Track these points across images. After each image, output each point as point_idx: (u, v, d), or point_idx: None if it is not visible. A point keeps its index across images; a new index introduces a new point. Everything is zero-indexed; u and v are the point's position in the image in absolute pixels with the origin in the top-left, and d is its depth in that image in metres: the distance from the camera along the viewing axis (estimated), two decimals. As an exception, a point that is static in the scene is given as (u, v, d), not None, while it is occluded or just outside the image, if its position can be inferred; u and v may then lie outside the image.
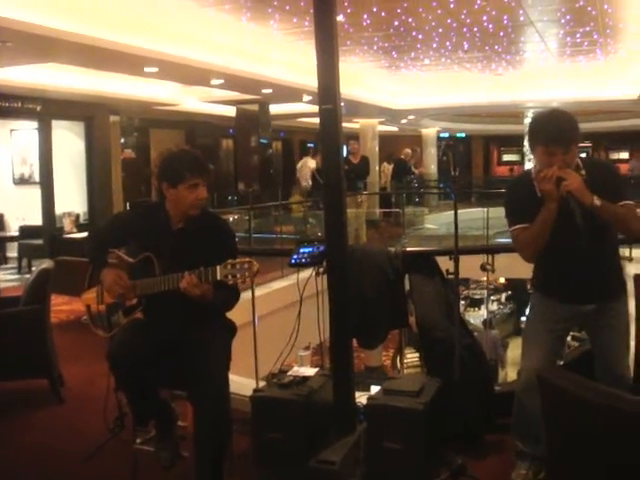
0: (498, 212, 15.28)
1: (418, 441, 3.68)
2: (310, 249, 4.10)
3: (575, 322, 3.63)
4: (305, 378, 4.04)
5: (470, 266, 4.89)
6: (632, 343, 3.97)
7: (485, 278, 17.90)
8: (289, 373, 4.11)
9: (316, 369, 4.24)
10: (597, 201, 3.21)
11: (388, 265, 4.33)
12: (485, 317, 16.89)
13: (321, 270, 4.16)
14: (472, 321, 17.25)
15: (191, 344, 3.47)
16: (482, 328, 15.52)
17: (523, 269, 4.03)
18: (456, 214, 3.89)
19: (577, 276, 3.44)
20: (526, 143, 19.74)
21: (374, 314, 4.29)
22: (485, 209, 12.74)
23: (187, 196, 3.51)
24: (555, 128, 3.32)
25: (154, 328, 3.52)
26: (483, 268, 4.52)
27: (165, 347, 3.48)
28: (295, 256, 4.12)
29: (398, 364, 13.91)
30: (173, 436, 3.78)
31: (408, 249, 4.63)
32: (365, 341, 4.52)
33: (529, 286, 3.87)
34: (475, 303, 18.71)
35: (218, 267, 3.31)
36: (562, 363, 4.36)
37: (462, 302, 18.75)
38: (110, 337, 3.70)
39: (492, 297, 19.79)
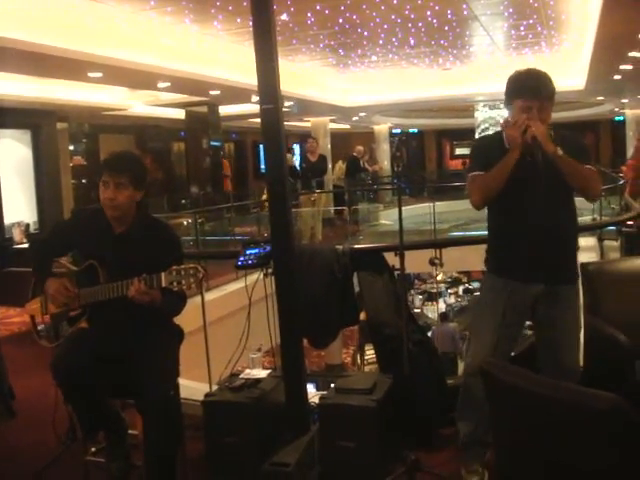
0: (452, 206, 15.44)
1: (372, 438, 3.68)
2: (256, 250, 4.06)
3: (527, 310, 3.60)
4: (257, 380, 4.02)
5: (420, 261, 4.91)
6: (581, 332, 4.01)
7: (439, 273, 18.18)
8: (241, 376, 4.09)
9: (268, 371, 4.22)
10: (560, 151, 3.28)
11: (335, 263, 4.31)
12: (443, 310, 17.04)
13: (269, 271, 4.14)
14: (430, 315, 17.38)
15: (136, 352, 3.41)
16: (437, 323, 15.65)
17: (472, 262, 4.04)
18: (400, 210, 3.89)
19: (530, 247, 3.43)
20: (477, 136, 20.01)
21: (323, 313, 4.27)
22: (432, 204, 12.80)
23: (101, 194, 3.47)
24: (533, 82, 3.43)
25: (98, 337, 3.46)
26: (432, 262, 4.53)
27: (110, 356, 3.42)
28: (241, 258, 4.07)
29: (358, 361, 14.00)
30: (124, 446, 3.71)
31: (355, 246, 4.60)
32: (315, 340, 4.50)
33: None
34: (433, 297, 18.85)
35: (163, 274, 3.26)
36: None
37: (420, 297, 18.90)
38: (55, 347, 3.63)
39: (449, 290, 19.98)
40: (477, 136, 20.15)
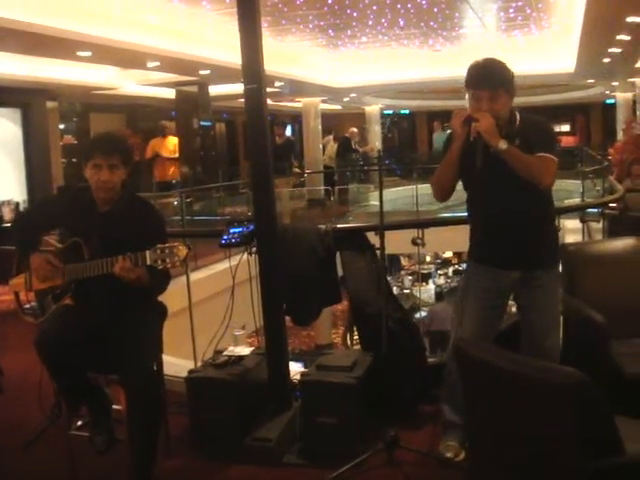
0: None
1: (352, 415, 3.75)
2: (240, 229, 4.12)
3: (506, 293, 3.65)
4: (240, 357, 4.08)
5: (403, 241, 4.95)
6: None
7: (424, 254, 18.25)
8: (225, 353, 4.14)
9: (252, 348, 4.27)
10: (503, 145, 3.22)
11: (319, 243, 4.35)
12: (432, 292, 17.14)
13: (253, 249, 4.19)
14: (422, 296, 17.44)
15: (120, 328, 3.46)
16: (431, 302, 15.75)
17: (455, 243, 4.09)
18: (381, 189, 3.95)
19: (498, 234, 3.47)
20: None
21: (306, 292, 4.32)
22: (415, 185, 12.96)
23: (92, 176, 3.50)
24: (482, 71, 3.40)
25: (83, 313, 3.51)
26: (414, 242, 4.58)
27: (94, 332, 3.46)
28: (225, 236, 4.12)
29: (348, 341, 14.10)
30: (107, 420, 3.76)
31: (338, 226, 4.65)
32: (298, 318, 4.55)
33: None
34: (423, 278, 18.89)
35: (148, 252, 3.30)
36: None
37: (409, 277, 18.96)
38: (40, 324, 3.67)
39: (439, 271, 20.03)
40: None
